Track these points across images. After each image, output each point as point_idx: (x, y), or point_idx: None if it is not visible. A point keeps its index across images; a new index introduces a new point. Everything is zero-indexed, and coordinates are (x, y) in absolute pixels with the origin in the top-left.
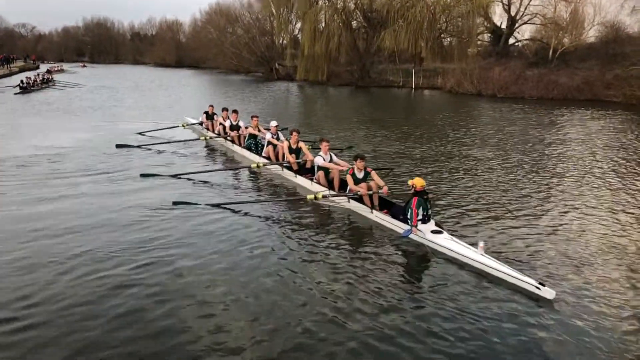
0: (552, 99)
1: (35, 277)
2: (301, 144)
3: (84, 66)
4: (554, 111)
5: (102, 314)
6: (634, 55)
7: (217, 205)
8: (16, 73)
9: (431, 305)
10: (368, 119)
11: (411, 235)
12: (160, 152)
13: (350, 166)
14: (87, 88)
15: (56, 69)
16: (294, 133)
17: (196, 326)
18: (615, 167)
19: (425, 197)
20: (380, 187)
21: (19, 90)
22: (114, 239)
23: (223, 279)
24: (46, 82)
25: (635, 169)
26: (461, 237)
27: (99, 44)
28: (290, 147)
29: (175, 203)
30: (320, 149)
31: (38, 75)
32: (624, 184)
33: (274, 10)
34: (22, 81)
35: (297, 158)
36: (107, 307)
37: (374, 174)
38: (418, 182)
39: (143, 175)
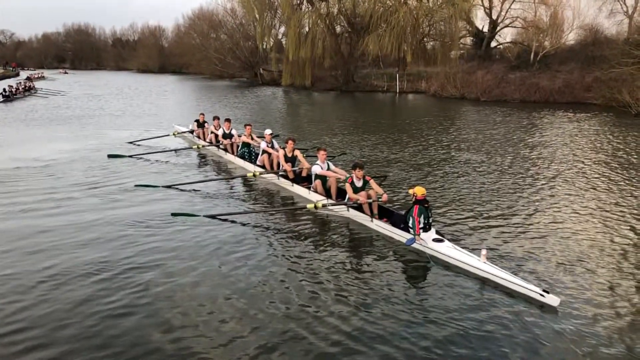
0: (534, 101)
1: (27, 289)
2: (297, 152)
3: (66, 72)
4: (538, 114)
5: (105, 326)
6: (612, 58)
7: (216, 216)
8: None
9: (434, 314)
10: (355, 124)
11: (413, 244)
12: (153, 161)
13: (348, 175)
14: (71, 95)
15: (36, 76)
16: (290, 141)
17: (201, 340)
18: (608, 170)
19: (426, 205)
20: (379, 196)
21: (1, 99)
22: (114, 252)
23: (226, 290)
24: (29, 90)
25: (629, 172)
26: (460, 243)
27: (80, 50)
28: (286, 156)
29: (173, 214)
30: (316, 156)
31: (20, 83)
32: (622, 187)
33: (257, 15)
34: (4, 90)
35: (293, 166)
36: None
37: (372, 182)
38: (419, 191)
39: (138, 186)
